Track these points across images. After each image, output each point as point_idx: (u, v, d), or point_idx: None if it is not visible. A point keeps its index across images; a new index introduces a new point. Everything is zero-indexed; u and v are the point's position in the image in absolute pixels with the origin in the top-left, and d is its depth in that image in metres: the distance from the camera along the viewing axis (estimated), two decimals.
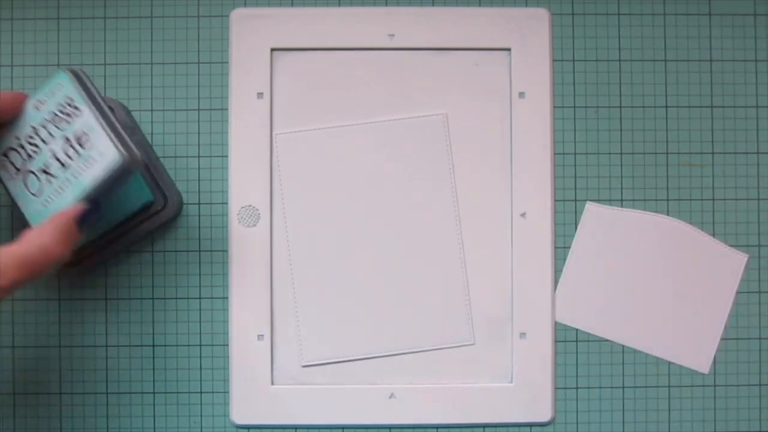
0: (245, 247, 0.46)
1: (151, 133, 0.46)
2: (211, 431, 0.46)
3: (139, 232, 0.45)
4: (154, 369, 0.46)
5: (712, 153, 0.47)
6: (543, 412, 0.46)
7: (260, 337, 0.46)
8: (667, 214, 0.47)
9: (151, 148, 0.46)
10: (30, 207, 0.39)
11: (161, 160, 0.46)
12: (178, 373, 0.46)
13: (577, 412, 0.46)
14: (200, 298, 0.46)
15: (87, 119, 0.38)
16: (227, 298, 0.46)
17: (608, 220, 0.47)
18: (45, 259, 0.36)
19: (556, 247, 0.46)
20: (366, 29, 0.46)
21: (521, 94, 0.46)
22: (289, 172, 0.46)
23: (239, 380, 0.46)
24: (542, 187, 0.46)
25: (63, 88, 0.38)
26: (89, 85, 0.39)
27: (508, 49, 0.46)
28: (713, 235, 0.47)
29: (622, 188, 0.47)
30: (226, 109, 0.47)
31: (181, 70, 0.47)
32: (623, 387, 0.46)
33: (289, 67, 0.46)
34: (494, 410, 0.46)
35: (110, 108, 0.39)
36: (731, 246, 0.47)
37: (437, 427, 0.46)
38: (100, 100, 0.38)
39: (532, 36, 0.46)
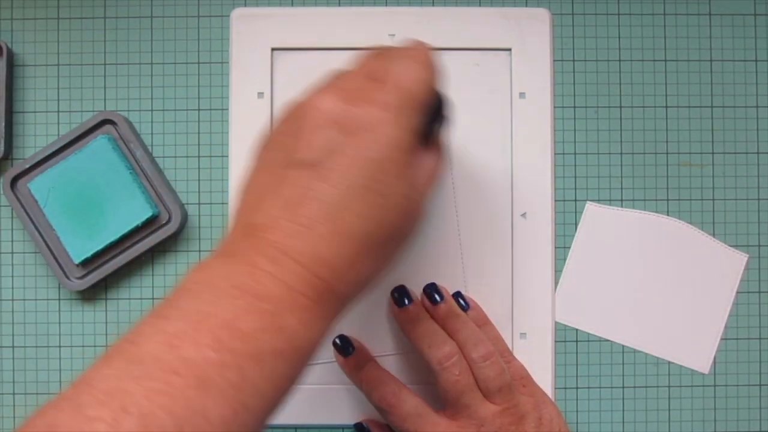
0: None
1: (152, 134, 0.46)
2: None
3: (143, 246, 0.45)
4: None
5: (712, 153, 0.47)
6: None
7: None
8: (667, 214, 0.47)
9: (153, 161, 0.46)
10: None
11: (162, 161, 0.46)
12: None
13: (577, 412, 0.46)
14: None
15: None
16: None
17: (608, 220, 0.47)
18: None
19: (556, 247, 0.46)
20: (366, 29, 0.46)
21: (521, 95, 0.46)
22: None
23: None
24: (542, 187, 0.46)
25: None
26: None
27: (509, 49, 0.46)
28: (713, 235, 0.47)
29: (622, 188, 0.47)
30: (226, 109, 0.47)
31: (181, 70, 0.47)
32: (623, 387, 0.46)
33: (289, 67, 0.46)
34: None
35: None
36: (731, 246, 0.47)
37: None
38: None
39: (532, 36, 0.46)
